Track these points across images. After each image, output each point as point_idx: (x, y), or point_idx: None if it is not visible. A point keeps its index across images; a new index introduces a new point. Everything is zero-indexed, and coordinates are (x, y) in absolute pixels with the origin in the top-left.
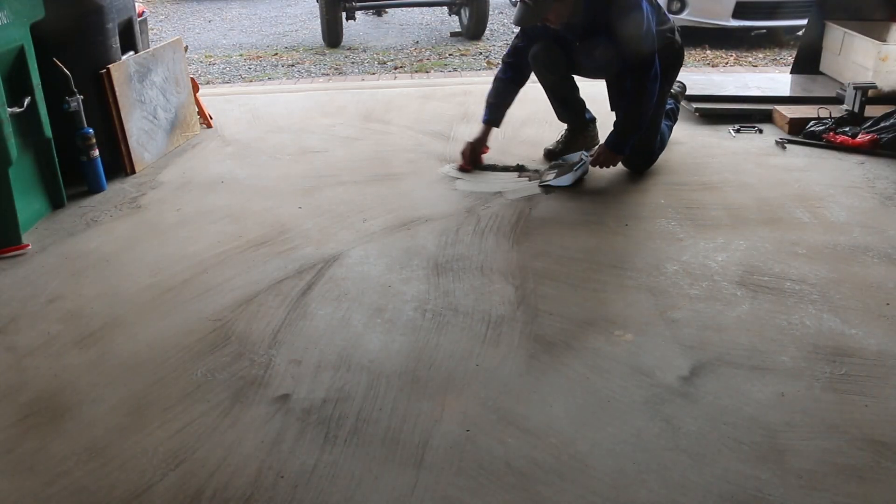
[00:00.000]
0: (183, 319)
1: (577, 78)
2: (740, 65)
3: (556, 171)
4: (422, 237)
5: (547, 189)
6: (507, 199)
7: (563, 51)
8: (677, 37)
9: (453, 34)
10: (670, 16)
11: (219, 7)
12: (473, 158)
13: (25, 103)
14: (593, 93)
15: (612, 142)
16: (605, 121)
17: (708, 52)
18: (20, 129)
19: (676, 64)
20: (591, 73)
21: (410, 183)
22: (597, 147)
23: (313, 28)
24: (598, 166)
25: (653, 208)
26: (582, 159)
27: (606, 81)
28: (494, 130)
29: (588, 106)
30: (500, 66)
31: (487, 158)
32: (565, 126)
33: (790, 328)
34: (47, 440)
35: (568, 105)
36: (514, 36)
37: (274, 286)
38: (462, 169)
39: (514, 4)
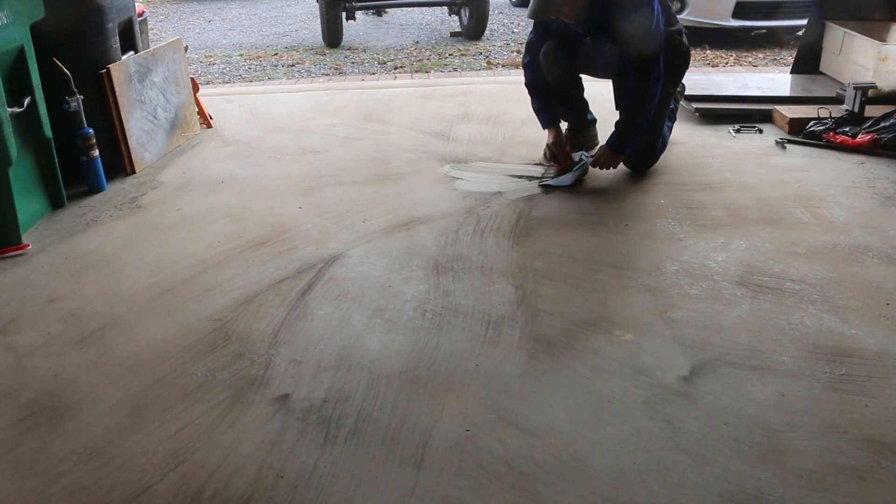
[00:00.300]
0: (183, 319)
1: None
2: (740, 65)
3: (553, 168)
4: (422, 237)
5: (547, 189)
6: (507, 199)
7: (572, 47)
8: (685, 39)
9: (453, 34)
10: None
11: (219, 7)
12: (563, 155)
13: (25, 103)
14: (593, 93)
15: (613, 142)
16: (604, 121)
17: (708, 52)
18: (20, 129)
19: (682, 66)
20: (601, 72)
21: (410, 183)
22: (598, 147)
23: (313, 28)
24: (599, 167)
25: (653, 208)
26: (582, 159)
27: (613, 81)
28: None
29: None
30: (524, 73)
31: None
32: (566, 125)
33: (790, 328)
34: (47, 440)
35: (571, 104)
36: (510, 34)
37: (274, 286)
38: (560, 171)
39: (514, 5)
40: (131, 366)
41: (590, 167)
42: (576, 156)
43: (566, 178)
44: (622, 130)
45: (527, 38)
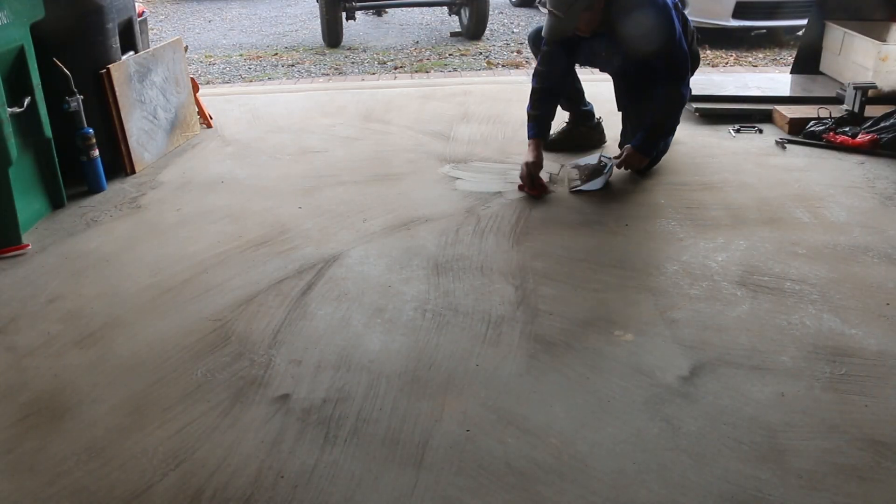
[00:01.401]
0: (183, 319)
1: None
2: (740, 65)
3: (577, 172)
4: (422, 237)
5: (578, 193)
6: (507, 199)
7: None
8: (695, 45)
9: (453, 34)
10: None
11: (219, 7)
12: (532, 182)
13: (25, 103)
14: (593, 93)
15: (640, 144)
16: (606, 121)
17: (708, 52)
18: (20, 129)
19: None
20: (605, 68)
21: (410, 183)
22: (625, 148)
23: (313, 28)
24: (625, 168)
25: (653, 208)
26: (603, 161)
27: (614, 80)
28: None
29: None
30: (533, 77)
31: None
32: (565, 121)
33: (790, 328)
34: (47, 440)
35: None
36: (510, 34)
37: (274, 286)
38: (527, 192)
39: (515, 5)
40: (131, 366)
41: (615, 168)
42: (594, 158)
43: (597, 183)
44: (651, 133)
45: (527, 37)
